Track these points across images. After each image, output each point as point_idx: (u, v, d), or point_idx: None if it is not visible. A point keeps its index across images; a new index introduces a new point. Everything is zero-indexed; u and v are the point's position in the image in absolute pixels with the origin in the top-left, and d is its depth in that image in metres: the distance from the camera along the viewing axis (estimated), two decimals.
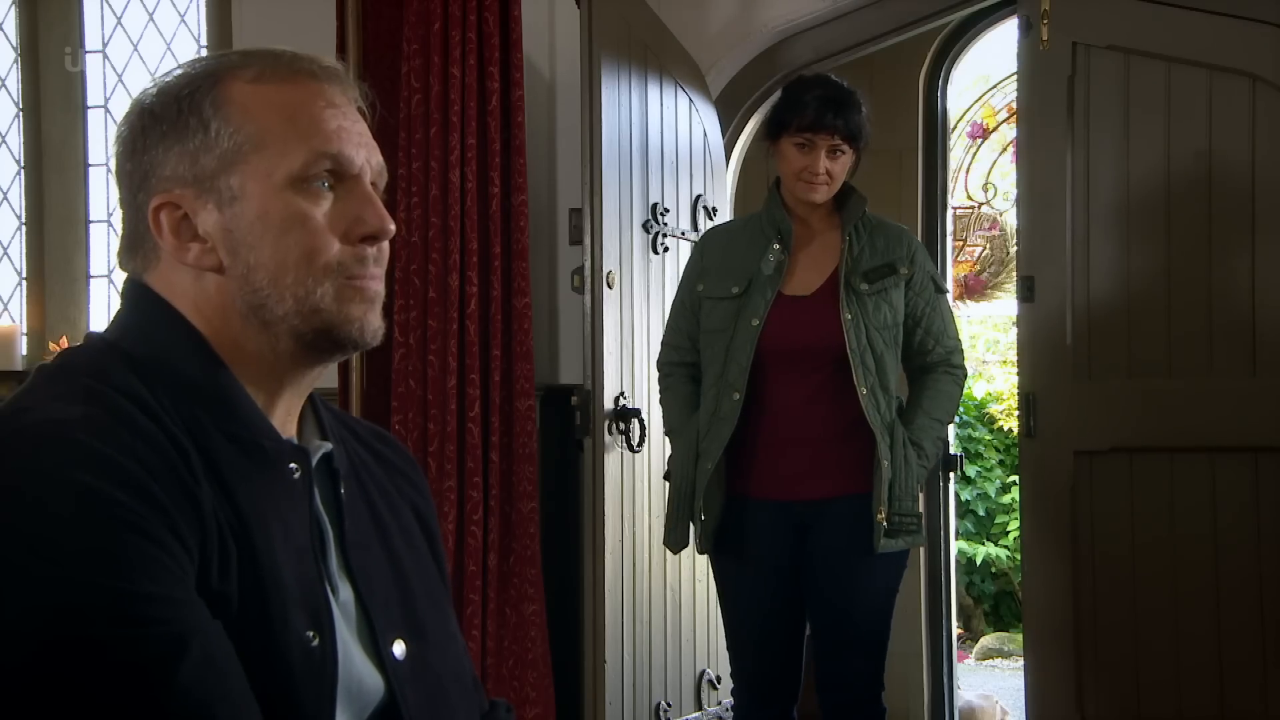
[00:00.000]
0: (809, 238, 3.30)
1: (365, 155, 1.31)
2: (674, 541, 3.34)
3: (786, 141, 3.23)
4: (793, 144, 3.21)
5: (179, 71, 1.30)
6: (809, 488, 3.20)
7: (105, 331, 1.31)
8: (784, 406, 3.20)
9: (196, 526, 1.16)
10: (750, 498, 3.23)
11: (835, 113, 3.19)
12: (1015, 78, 4.19)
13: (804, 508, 3.20)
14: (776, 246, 3.25)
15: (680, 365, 3.37)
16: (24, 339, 4.81)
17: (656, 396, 3.48)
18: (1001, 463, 7.07)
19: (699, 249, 3.44)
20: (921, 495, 3.25)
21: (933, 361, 3.30)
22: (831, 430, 3.19)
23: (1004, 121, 7.18)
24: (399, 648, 1.32)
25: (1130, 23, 3.87)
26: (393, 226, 1.31)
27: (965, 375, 3.39)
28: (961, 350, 3.38)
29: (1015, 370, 4.85)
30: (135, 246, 1.31)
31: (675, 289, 3.49)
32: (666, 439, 3.48)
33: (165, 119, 1.27)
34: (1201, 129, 3.83)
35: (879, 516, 3.13)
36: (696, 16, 4.21)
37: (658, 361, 3.45)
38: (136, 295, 1.30)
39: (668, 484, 3.38)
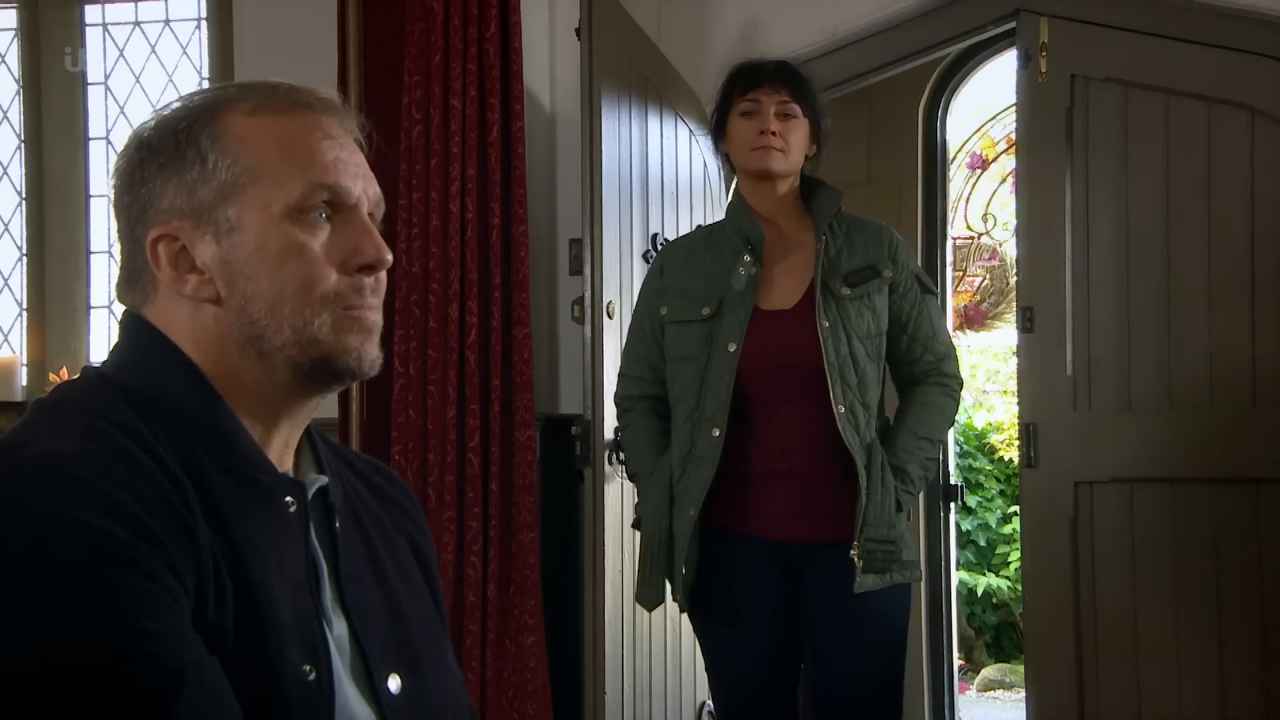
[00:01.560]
0: (783, 244, 2.96)
1: (362, 186, 1.31)
2: (648, 598, 2.97)
3: (734, 116, 2.96)
4: (739, 115, 2.94)
5: (177, 105, 1.31)
6: (801, 528, 2.85)
7: (102, 365, 1.31)
8: (770, 437, 2.86)
9: (193, 561, 1.16)
10: (733, 535, 2.87)
11: (780, 70, 2.95)
12: (1014, 109, 4.20)
13: (794, 550, 2.86)
14: (747, 258, 2.91)
15: (642, 399, 3.02)
16: (24, 370, 4.80)
17: None
18: (1002, 493, 7.06)
19: (657, 267, 3.08)
20: (907, 523, 2.90)
21: (921, 371, 2.98)
22: (824, 462, 2.84)
23: (1003, 152, 7.19)
24: (394, 682, 1.32)
25: (1129, 55, 3.89)
26: (390, 256, 1.31)
27: (959, 385, 3.04)
28: (955, 357, 3.04)
29: (1015, 400, 4.85)
30: (133, 279, 1.31)
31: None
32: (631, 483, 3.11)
33: (163, 152, 1.28)
34: (1200, 161, 3.84)
35: (853, 551, 2.78)
36: (697, 48, 4.23)
37: (615, 396, 3.11)
38: (134, 329, 1.31)
39: (637, 533, 3.02)
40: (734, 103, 2.95)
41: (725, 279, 2.92)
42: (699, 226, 3.15)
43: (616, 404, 3.11)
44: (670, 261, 3.04)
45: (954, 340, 3.14)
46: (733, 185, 3.04)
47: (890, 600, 2.86)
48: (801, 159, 2.97)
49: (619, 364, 3.14)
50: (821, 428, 2.83)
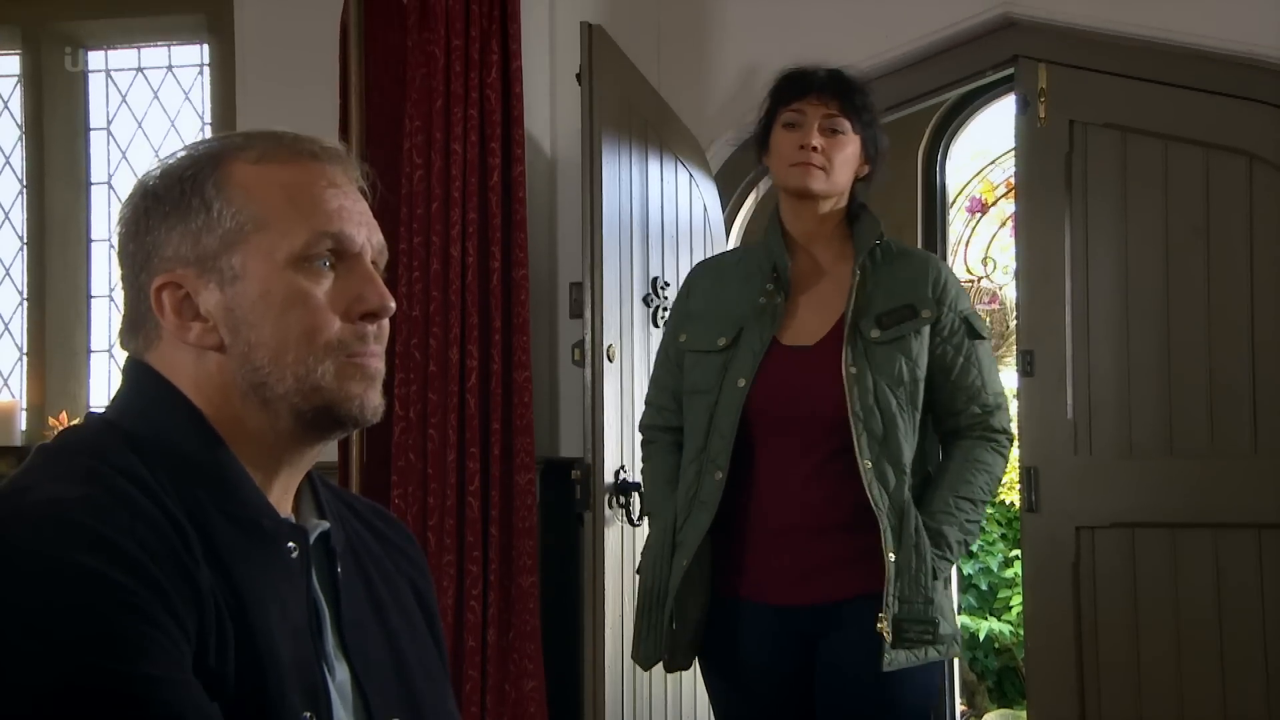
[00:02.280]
0: (816, 273, 2.69)
1: (366, 234, 1.32)
2: (644, 655, 2.70)
3: (777, 128, 2.68)
4: (782, 126, 2.66)
5: (182, 153, 1.32)
6: (813, 589, 2.57)
7: (105, 411, 1.32)
8: (779, 487, 2.58)
9: (194, 607, 1.16)
10: (741, 600, 2.62)
11: (830, 79, 2.65)
12: (1013, 153, 4.22)
13: (809, 614, 2.57)
14: (770, 286, 2.65)
15: (664, 430, 2.79)
16: (24, 414, 4.80)
17: None
18: (1004, 536, 7.04)
19: (685, 289, 2.85)
20: (944, 590, 2.60)
21: (965, 424, 2.67)
22: (839, 516, 2.56)
23: (1003, 196, 7.22)
24: None
25: (1128, 101, 3.91)
26: (393, 304, 1.32)
27: (1009, 441, 2.73)
28: (1005, 409, 2.73)
29: (1016, 444, 4.84)
30: (137, 326, 1.32)
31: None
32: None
33: (168, 200, 1.29)
34: (1199, 206, 3.85)
35: (880, 625, 2.49)
36: (697, 94, 4.25)
37: (640, 424, 2.89)
38: (137, 374, 1.31)
39: (638, 579, 2.76)
40: (778, 112, 2.68)
41: (748, 306, 2.67)
42: (732, 250, 2.86)
43: (640, 432, 2.89)
44: (698, 283, 2.81)
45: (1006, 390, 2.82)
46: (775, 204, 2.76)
47: (923, 679, 2.57)
48: (848, 180, 2.67)
49: (643, 397, 2.95)
50: (842, 482, 2.55)
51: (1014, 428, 2.78)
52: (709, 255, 4.18)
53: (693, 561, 2.60)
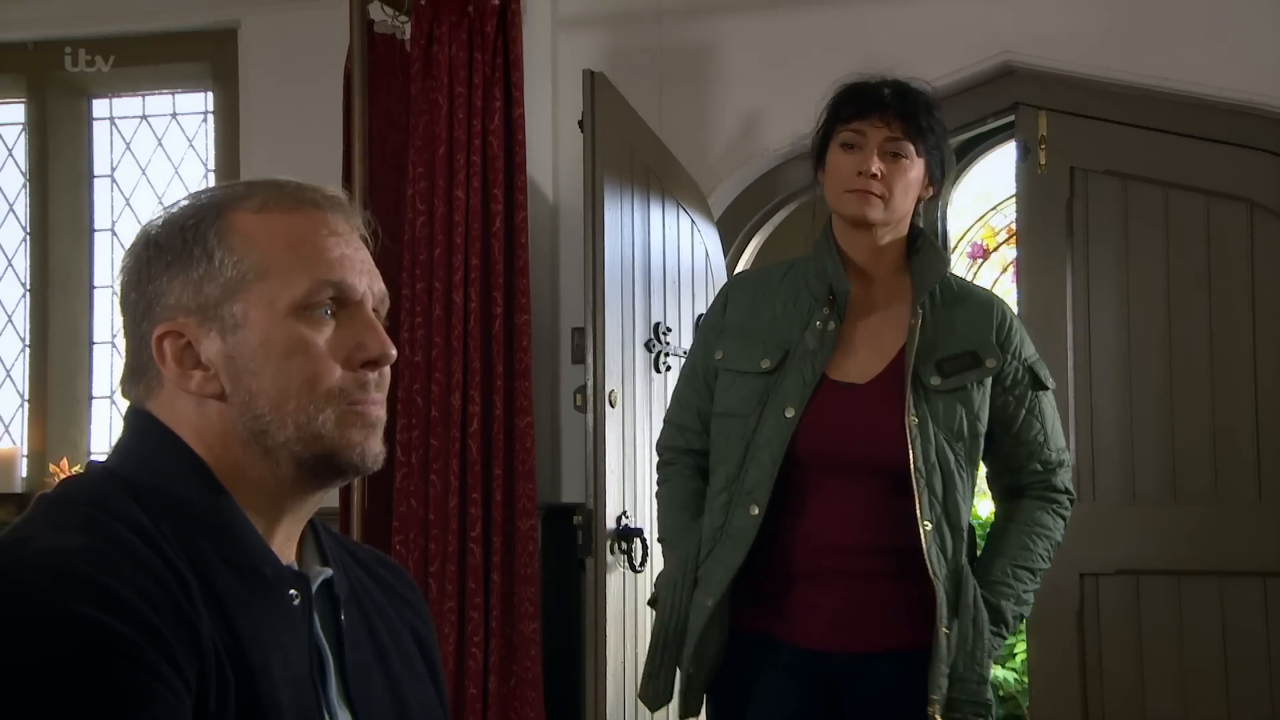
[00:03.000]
0: (870, 304, 2.46)
1: (367, 282, 1.32)
2: (652, 695, 2.49)
3: (834, 147, 2.44)
4: (840, 146, 2.42)
5: (185, 203, 1.32)
6: (846, 637, 2.36)
7: (107, 460, 1.32)
8: (819, 527, 2.37)
9: (195, 656, 1.15)
10: (766, 638, 2.40)
11: (894, 97, 2.40)
12: (1014, 199, 4.23)
13: (843, 661, 2.36)
14: (826, 310, 2.42)
15: (686, 453, 2.56)
16: (24, 461, 4.79)
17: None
18: None
19: (720, 301, 2.59)
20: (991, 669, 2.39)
21: (1025, 483, 2.48)
22: (882, 563, 2.36)
23: (1004, 242, 7.23)
24: None
25: (1128, 148, 3.92)
26: (394, 352, 1.32)
27: (1071, 503, 2.52)
28: (1068, 467, 2.53)
29: None
30: (138, 375, 1.32)
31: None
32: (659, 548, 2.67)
33: (170, 249, 1.29)
34: (1200, 253, 3.86)
35: (931, 709, 2.27)
36: (699, 140, 4.27)
37: (657, 445, 2.66)
38: (138, 423, 1.31)
39: (653, 611, 2.56)
40: (835, 130, 2.44)
41: (796, 330, 2.44)
42: (775, 265, 2.61)
43: (658, 453, 2.65)
44: (737, 297, 2.55)
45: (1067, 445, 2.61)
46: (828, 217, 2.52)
47: None
48: (909, 207, 2.44)
49: (645, 442, 2.77)
50: (891, 527, 2.35)
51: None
52: (710, 300, 4.18)
53: (718, 603, 2.38)
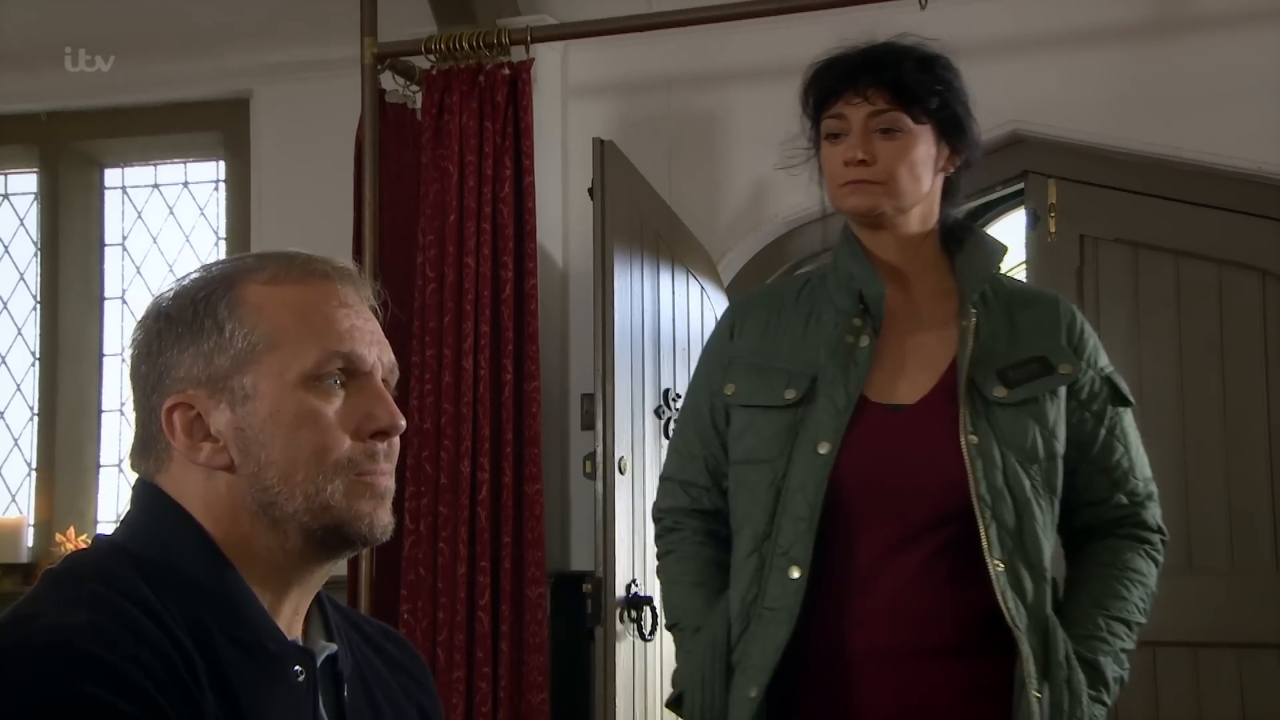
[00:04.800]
0: (911, 310, 2.07)
1: (377, 353, 1.32)
2: None
3: (824, 145, 2.06)
4: (826, 138, 2.05)
5: (195, 275, 1.33)
6: None
7: (114, 533, 1.32)
8: (871, 589, 1.95)
9: None
10: None
11: (868, 63, 2.01)
12: (1024, 266, 4.23)
13: None
14: (858, 322, 2.02)
15: (692, 515, 2.13)
16: (31, 530, 4.76)
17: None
18: None
19: (725, 327, 2.16)
20: None
21: (1110, 519, 2.07)
22: (954, 634, 1.94)
23: None
24: None
25: (1138, 217, 3.92)
26: (403, 422, 1.33)
27: (1164, 545, 2.10)
28: (1157, 500, 2.12)
29: None
30: (147, 447, 1.32)
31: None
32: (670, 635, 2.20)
33: (181, 321, 1.29)
34: (1213, 321, 3.85)
35: None
36: (708, 207, 4.28)
37: (655, 508, 2.21)
38: (146, 496, 1.31)
39: (676, 716, 2.10)
40: (820, 122, 2.07)
41: (822, 352, 2.03)
42: (785, 282, 2.24)
43: (655, 518, 2.21)
44: (745, 321, 2.13)
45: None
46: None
47: None
48: (924, 188, 2.02)
49: (657, 478, 2.25)
50: (958, 587, 1.95)
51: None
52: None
53: (763, 693, 1.94)
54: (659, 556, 2.19)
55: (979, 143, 2.07)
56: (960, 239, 2.09)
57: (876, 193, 1.99)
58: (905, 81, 1.98)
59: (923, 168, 2.01)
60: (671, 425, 3.91)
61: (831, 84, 2.02)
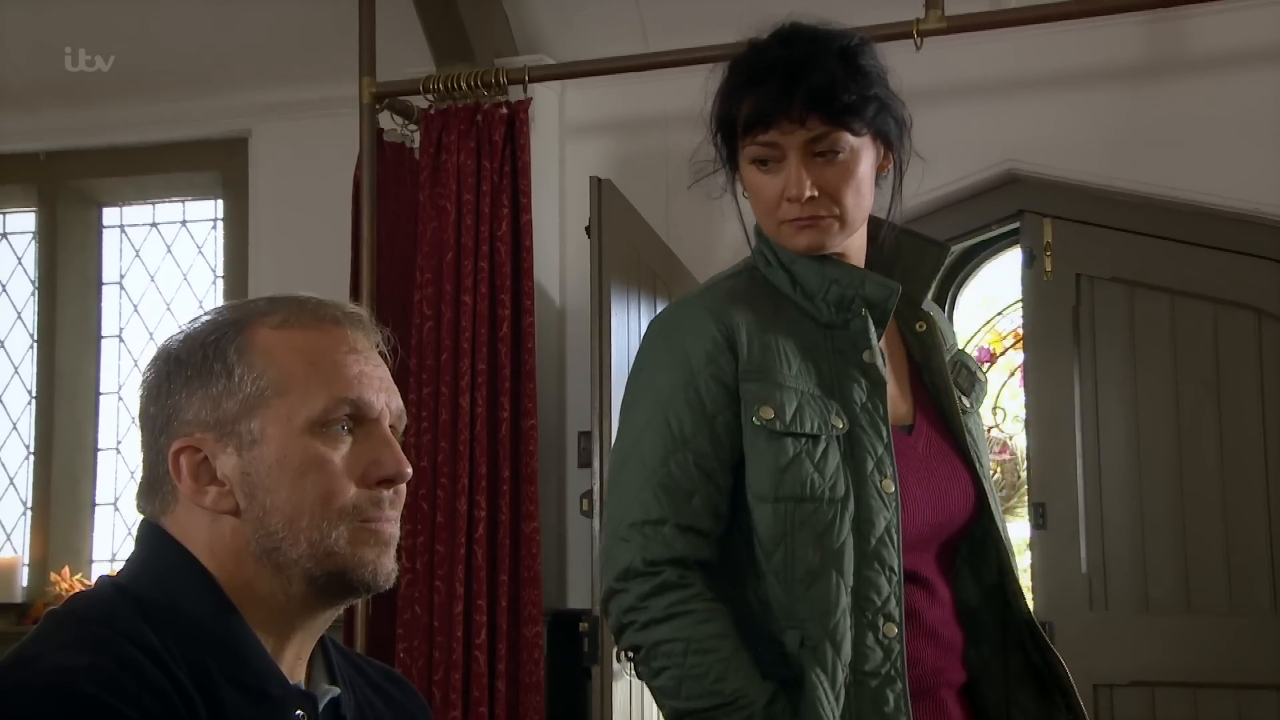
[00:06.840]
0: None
1: (385, 400, 1.32)
2: None
3: (745, 165, 1.82)
4: (750, 163, 1.80)
5: (206, 318, 1.33)
6: None
7: (117, 574, 1.31)
8: (919, 631, 1.78)
9: None
10: None
11: (790, 80, 1.74)
12: (1020, 305, 4.24)
13: None
14: (870, 337, 1.82)
15: (698, 567, 1.73)
16: (25, 569, 4.74)
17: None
18: None
19: (722, 329, 1.79)
20: None
21: None
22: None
23: (1011, 346, 7.24)
24: None
25: (1133, 256, 3.94)
26: (410, 470, 1.32)
27: None
28: None
29: (1030, 597, 4.78)
30: (154, 489, 1.32)
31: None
32: None
33: (190, 365, 1.30)
34: (1208, 360, 3.85)
35: None
36: (704, 244, 4.28)
37: (641, 560, 1.72)
38: (150, 538, 1.31)
39: None
40: (740, 141, 1.81)
41: (827, 373, 1.80)
42: (734, 276, 1.96)
43: (639, 574, 1.73)
44: (743, 326, 1.80)
45: None
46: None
47: None
48: (870, 200, 1.83)
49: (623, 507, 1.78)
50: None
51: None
52: None
53: None
54: (654, 622, 1.72)
55: (909, 127, 1.85)
56: (897, 238, 1.90)
57: (830, 229, 1.78)
58: (842, 98, 1.73)
59: (866, 183, 1.80)
60: None
61: (760, 108, 1.76)
